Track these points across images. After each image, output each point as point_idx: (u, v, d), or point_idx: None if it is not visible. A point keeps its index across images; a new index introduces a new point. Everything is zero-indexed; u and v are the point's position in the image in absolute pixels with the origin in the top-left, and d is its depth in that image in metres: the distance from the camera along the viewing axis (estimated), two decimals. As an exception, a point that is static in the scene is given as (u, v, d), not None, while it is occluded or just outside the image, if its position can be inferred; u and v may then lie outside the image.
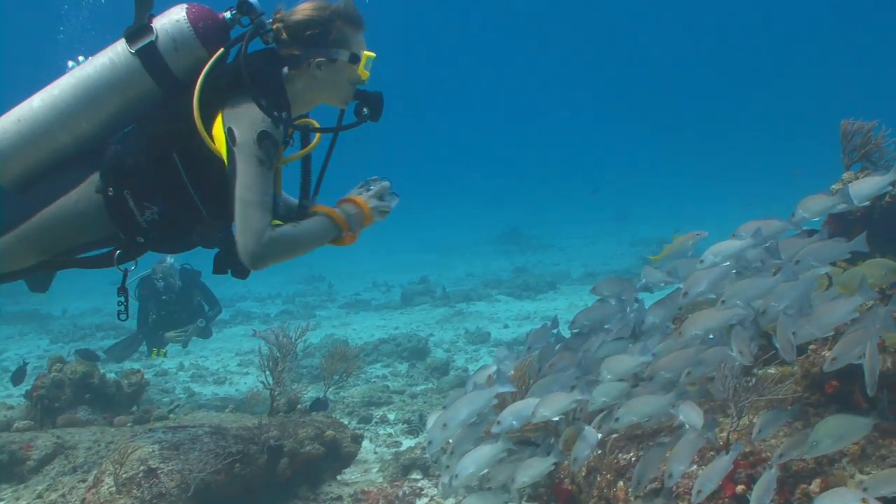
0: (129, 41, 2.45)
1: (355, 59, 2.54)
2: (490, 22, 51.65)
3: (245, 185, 2.29)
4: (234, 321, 13.87)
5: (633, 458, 3.28)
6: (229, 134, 2.31)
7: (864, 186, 3.59)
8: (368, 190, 2.63)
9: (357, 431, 4.96)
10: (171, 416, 5.77)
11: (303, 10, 2.51)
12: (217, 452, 4.35)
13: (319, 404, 5.26)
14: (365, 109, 2.59)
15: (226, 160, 2.33)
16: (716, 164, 36.79)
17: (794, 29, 48.16)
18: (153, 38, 2.44)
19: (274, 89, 2.41)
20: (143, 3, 2.49)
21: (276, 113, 2.34)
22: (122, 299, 2.73)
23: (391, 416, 7.10)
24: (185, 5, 2.49)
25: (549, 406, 3.14)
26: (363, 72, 2.57)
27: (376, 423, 7.00)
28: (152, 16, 2.49)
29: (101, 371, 6.05)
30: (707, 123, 48.04)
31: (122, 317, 2.73)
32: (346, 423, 7.17)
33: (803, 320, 2.83)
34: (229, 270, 2.54)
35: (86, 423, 5.69)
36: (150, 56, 2.44)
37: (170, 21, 2.46)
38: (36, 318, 15.12)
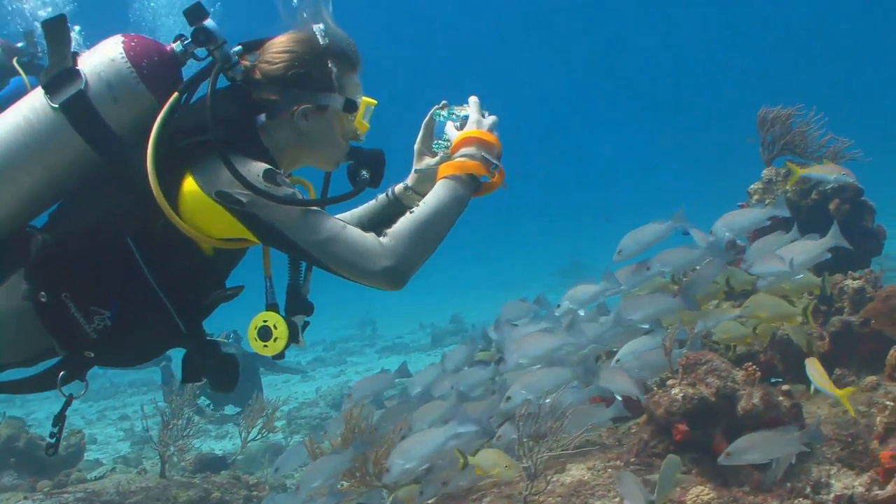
0: (50, 91, 1.79)
1: (352, 106, 1.92)
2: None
3: (303, 231, 1.71)
4: (262, 372, 13.70)
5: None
6: (225, 198, 1.71)
7: (743, 220, 3.77)
8: (455, 119, 1.98)
9: (254, 493, 4.53)
10: (94, 480, 5.49)
11: (282, 44, 1.90)
12: (75, 523, 4.03)
13: (217, 463, 4.86)
14: (363, 171, 1.96)
15: (248, 233, 1.75)
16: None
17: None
18: (82, 87, 1.78)
19: (251, 146, 1.81)
20: (58, 37, 1.84)
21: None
22: (56, 430, 1.97)
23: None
24: (120, 38, 1.85)
25: None
26: (361, 123, 1.97)
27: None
28: (76, 54, 1.84)
29: (31, 433, 5.86)
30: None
31: (51, 451, 2.01)
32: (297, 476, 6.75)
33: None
34: (204, 378, 1.91)
35: (9, 489, 5.50)
36: (78, 110, 1.78)
37: (103, 61, 1.82)
38: (75, 377, 15.42)
